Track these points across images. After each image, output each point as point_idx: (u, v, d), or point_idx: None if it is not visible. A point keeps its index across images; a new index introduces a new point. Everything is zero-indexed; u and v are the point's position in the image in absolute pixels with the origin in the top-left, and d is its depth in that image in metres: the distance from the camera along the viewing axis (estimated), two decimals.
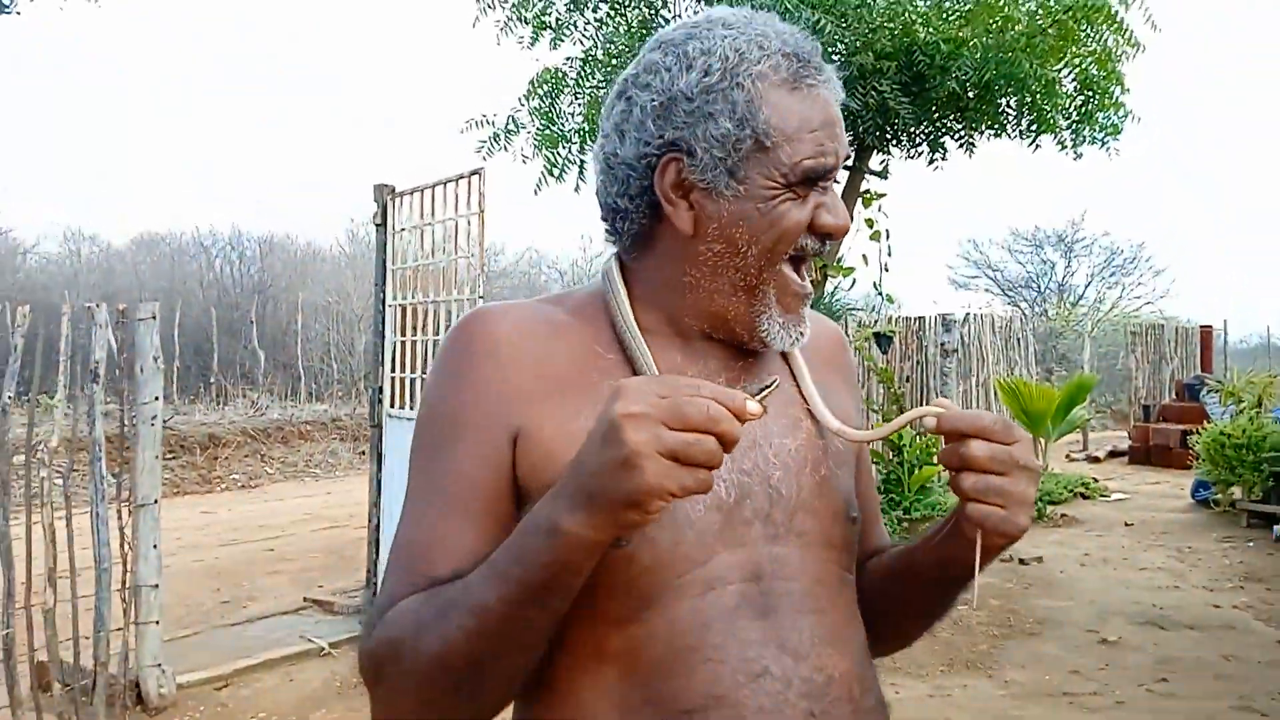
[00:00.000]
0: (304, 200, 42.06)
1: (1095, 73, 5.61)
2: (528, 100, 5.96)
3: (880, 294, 6.85)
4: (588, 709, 0.90)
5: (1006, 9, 5.28)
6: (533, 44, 5.75)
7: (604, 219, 1.04)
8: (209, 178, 41.87)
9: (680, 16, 5.77)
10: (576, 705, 0.90)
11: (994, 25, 5.22)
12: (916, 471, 7.18)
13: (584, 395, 0.93)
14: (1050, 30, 5.29)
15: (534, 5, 5.62)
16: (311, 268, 23.38)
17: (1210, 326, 15.36)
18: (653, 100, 0.95)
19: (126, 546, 4.25)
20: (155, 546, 4.31)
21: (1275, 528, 7.49)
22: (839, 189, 0.81)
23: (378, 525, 5.35)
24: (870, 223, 6.50)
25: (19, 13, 5.22)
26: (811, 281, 1.01)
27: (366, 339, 19.81)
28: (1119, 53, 5.57)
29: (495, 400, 0.92)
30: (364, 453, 14.36)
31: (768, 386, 0.82)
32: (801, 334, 0.99)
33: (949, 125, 6.05)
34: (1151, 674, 4.60)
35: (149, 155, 40.66)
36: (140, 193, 40.31)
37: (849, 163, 6.22)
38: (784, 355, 1.05)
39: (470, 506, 0.91)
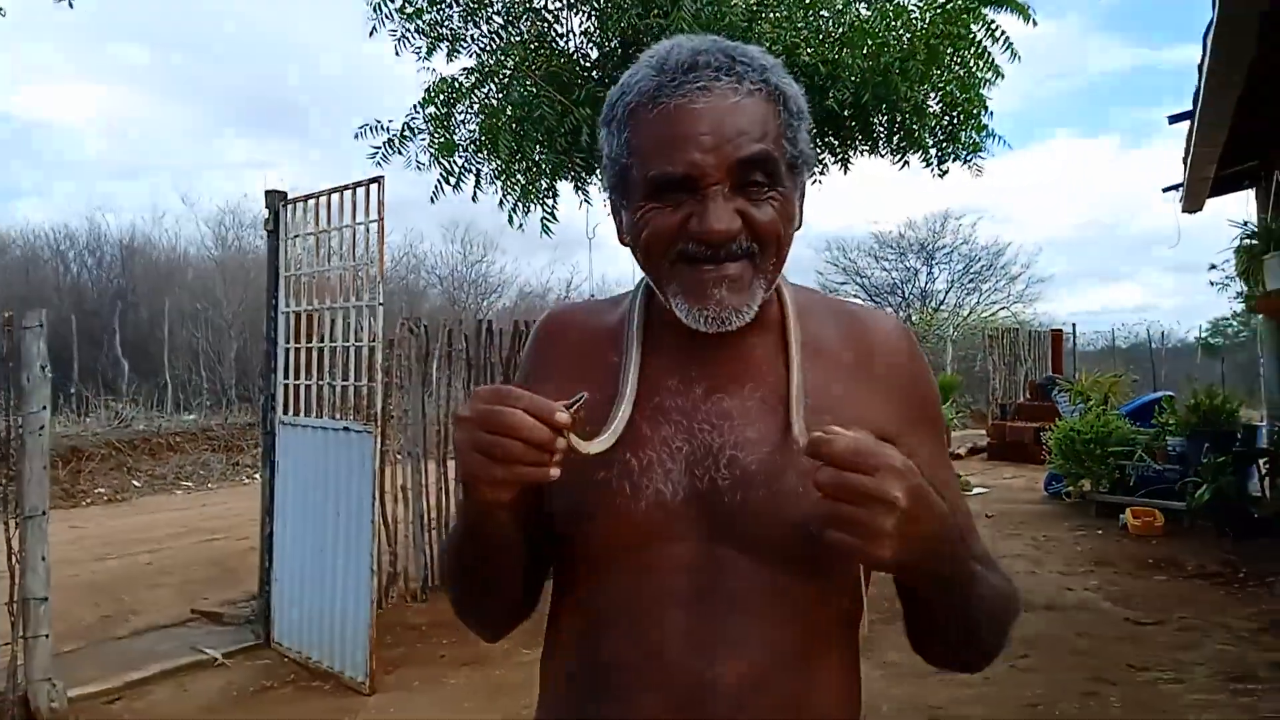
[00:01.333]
0: (169, 203, 40.32)
1: (960, 96, 6.00)
2: (424, 108, 6.00)
3: None
4: (556, 642, 1.15)
5: (881, 34, 5.61)
6: (429, 55, 5.80)
7: None
8: (64, 177, 39.78)
9: (572, 32, 5.92)
10: (553, 637, 1.16)
11: (870, 49, 5.54)
12: None
13: (586, 379, 1.08)
14: (921, 55, 5.64)
15: (428, 16, 5.67)
16: (178, 273, 22.55)
17: (1060, 330, 16.31)
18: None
19: (14, 559, 4.15)
20: (44, 559, 4.22)
21: (1121, 516, 8.01)
22: (781, 194, 0.85)
23: (271, 533, 5.31)
24: None
25: None
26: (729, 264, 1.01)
27: (238, 346, 19.34)
28: (982, 78, 5.98)
29: (532, 383, 1.14)
30: (238, 464, 14.02)
31: (577, 400, 0.93)
32: (720, 316, 1.02)
33: (828, 142, 6.38)
34: (1014, 652, 4.94)
35: None
36: None
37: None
38: (786, 359, 1.09)
39: None
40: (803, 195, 1.09)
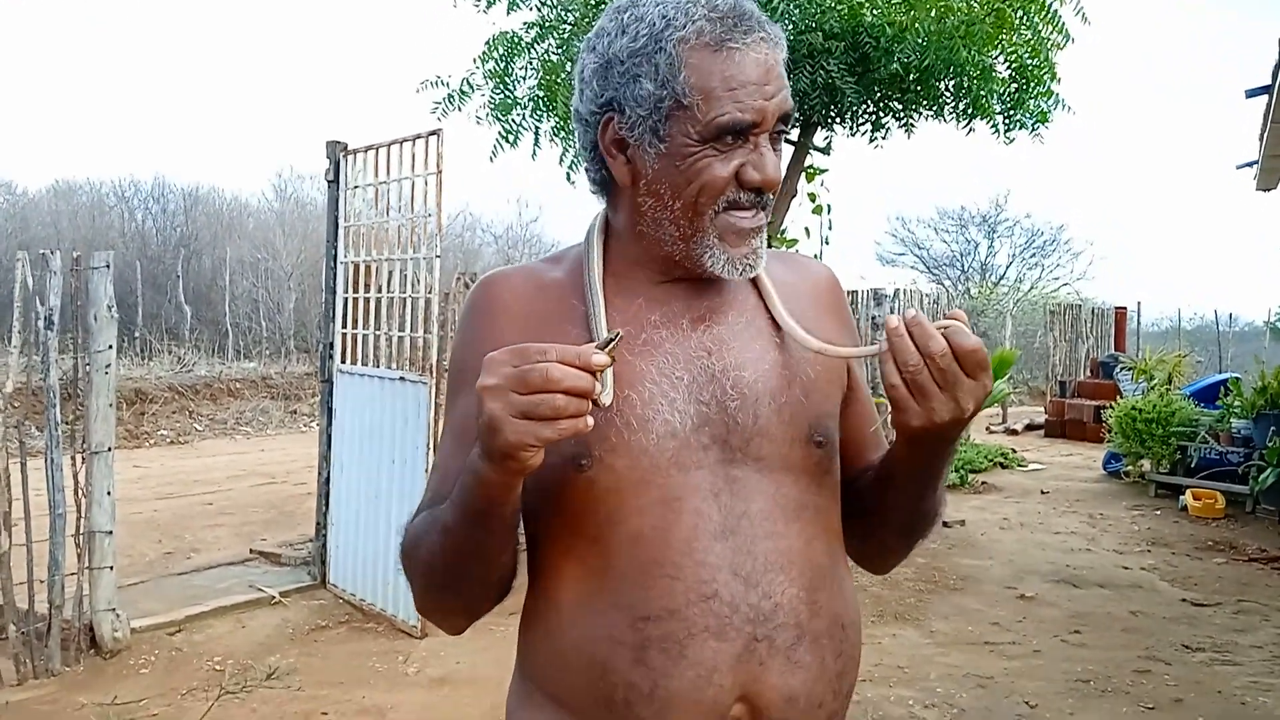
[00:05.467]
0: (229, 152, 40.94)
1: (1029, 61, 5.84)
2: (482, 63, 5.99)
3: None
4: (564, 604, 1.06)
5: None
6: (489, 7, 5.78)
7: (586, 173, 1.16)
8: (130, 125, 40.50)
9: None
10: (557, 599, 1.07)
11: (936, 11, 5.40)
12: None
13: (550, 337, 1.04)
14: (988, 19, 5.50)
15: None
16: (238, 222, 22.86)
17: (1125, 308, 15.94)
18: (596, 62, 1.06)
19: (81, 493, 4.28)
20: (109, 493, 4.34)
21: (1181, 498, 7.89)
22: (786, 151, 0.88)
23: (328, 478, 5.41)
24: (813, 197, 6.71)
25: None
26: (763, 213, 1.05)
27: (296, 297, 19.60)
28: (1050, 43, 5.81)
29: (487, 354, 0.99)
30: (295, 411, 14.29)
31: (613, 339, 0.90)
32: (750, 265, 1.05)
33: (890, 106, 6.25)
34: (1065, 626, 4.92)
35: (66, 98, 39.17)
36: (57, 138, 38.83)
37: (793, 137, 6.39)
38: (756, 288, 1.13)
39: (469, 442, 0.99)
40: None
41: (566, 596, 1.06)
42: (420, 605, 1.12)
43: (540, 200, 28.42)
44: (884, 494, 1.12)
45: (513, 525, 1.01)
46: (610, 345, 0.89)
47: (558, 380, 0.84)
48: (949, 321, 0.95)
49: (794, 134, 6.42)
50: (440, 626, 1.16)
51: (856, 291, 10.69)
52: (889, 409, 0.97)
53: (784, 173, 1.11)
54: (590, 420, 0.87)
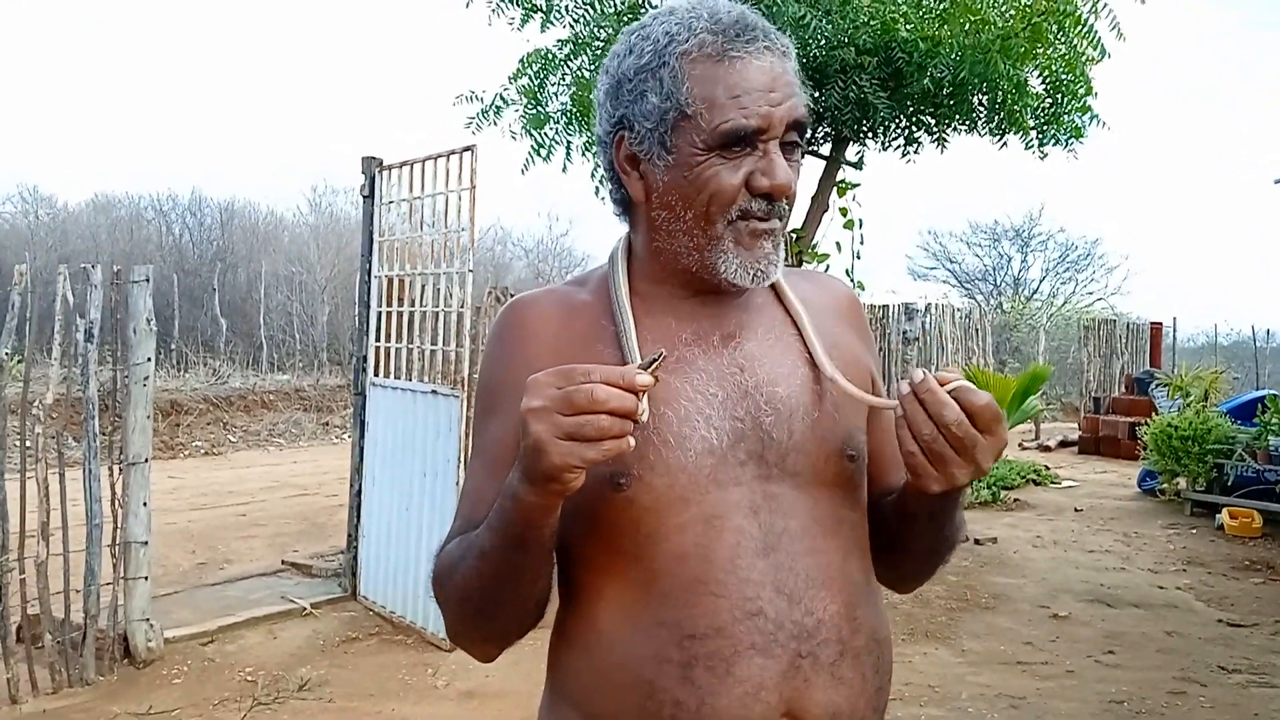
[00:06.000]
0: (266, 167, 41.47)
1: (1064, 76, 5.81)
2: (516, 79, 6.05)
3: (852, 281, 7.04)
4: (605, 623, 1.05)
5: (982, 10, 5.45)
6: (522, 25, 5.83)
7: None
8: (168, 140, 41.11)
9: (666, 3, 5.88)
10: (595, 618, 1.06)
11: (970, 25, 5.39)
12: None
13: (581, 358, 1.04)
14: (1023, 33, 5.47)
15: None
16: (273, 236, 23.15)
17: (1160, 323, 15.75)
18: (608, 83, 1.08)
19: (117, 503, 4.33)
20: (145, 504, 4.40)
21: (1217, 516, 7.76)
22: (813, 165, 0.89)
23: (359, 490, 5.45)
24: (844, 211, 6.70)
25: None
26: (776, 218, 1.05)
27: (330, 310, 19.80)
28: (1085, 58, 5.77)
29: (519, 377, 0.97)
30: (327, 424, 14.41)
31: (656, 359, 0.90)
32: (764, 270, 1.05)
33: (923, 120, 6.23)
34: (1099, 646, 4.86)
35: (105, 114, 39.87)
36: (96, 153, 39.51)
37: (825, 152, 6.39)
38: (785, 308, 1.15)
39: (501, 467, 1.02)
40: None
41: (607, 616, 1.05)
42: (453, 632, 1.11)
43: (571, 214, 28.59)
44: (906, 528, 1.13)
45: (550, 548, 1.01)
46: (654, 365, 0.89)
47: (603, 401, 0.85)
48: (956, 381, 0.95)
49: (825, 149, 6.42)
50: (472, 653, 1.14)
51: (887, 306, 10.67)
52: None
53: (801, 182, 1.10)
54: (632, 441, 0.88)
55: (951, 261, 27.60)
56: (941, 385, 0.94)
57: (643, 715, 1.02)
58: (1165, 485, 8.81)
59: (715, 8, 1.03)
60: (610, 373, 0.87)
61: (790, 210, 1.07)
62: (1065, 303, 24.65)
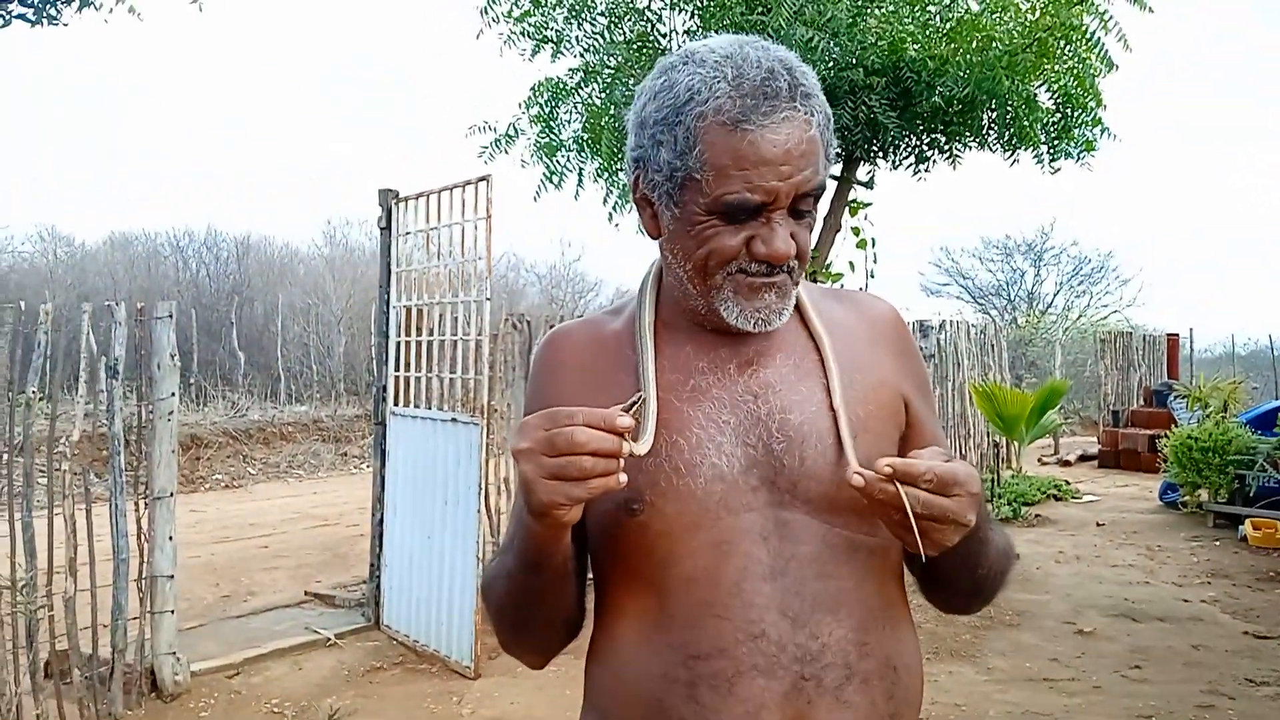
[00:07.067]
0: (280, 201, 41.82)
1: (1074, 90, 5.83)
2: (528, 108, 6.12)
3: None
4: (623, 640, 1.11)
5: (988, 28, 5.50)
6: (534, 56, 5.91)
7: None
8: (182, 176, 41.54)
9: (675, 31, 5.95)
10: (617, 635, 1.12)
11: (977, 43, 5.43)
12: None
13: (612, 390, 1.10)
14: (1030, 48, 5.51)
15: (533, 18, 5.77)
16: (289, 269, 23.32)
17: (1176, 335, 15.66)
18: (634, 118, 1.09)
19: (143, 538, 4.38)
20: (170, 538, 4.44)
21: (1240, 528, 7.71)
22: (813, 217, 0.87)
23: (381, 520, 5.48)
24: (857, 231, 6.73)
25: (66, 24, 5.34)
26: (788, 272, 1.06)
27: (346, 340, 19.92)
28: (1094, 71, 5.80)
29: (552, 406, 1.00)
30: (346, 454, 14.46)
31: (635, 401, 0.96)
32: (766, 318, 1.07)
33: (934, 138, 6.27)
34: (1125, 662, 4.83)
35: (120, 152, 40.29)
36: (111, 191, 39.92)
37: (836, 172, 6.42)
38: (810, 334, 1.15)
39: None
40: None
41: (626, 634, 1.10)
42: (500, 642, 1.18)
43: (583, 240, 28.74)
44: (940, 569, 1.11)
45: (564, 572, 1.07)
46: (633, 407, 0.94)
47: (583, 443, 0.90)
48: (926, 463, 0.94)
49: (836, 169, 6.45)
50: (521, 661, 1.22)
51: None
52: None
53: (817, 238, 1.14)
54: (623, 477, 0.92)
55: (965, 277, 27.50)
56: (895, 471, 0.94)
57: None
58: (1187, 497, 8.75)
59: (743, 64, 1.01)
60: (593, 415, 0.91)
61: (805, 263, 1.08)
62: (1080, 316, 24.53)
